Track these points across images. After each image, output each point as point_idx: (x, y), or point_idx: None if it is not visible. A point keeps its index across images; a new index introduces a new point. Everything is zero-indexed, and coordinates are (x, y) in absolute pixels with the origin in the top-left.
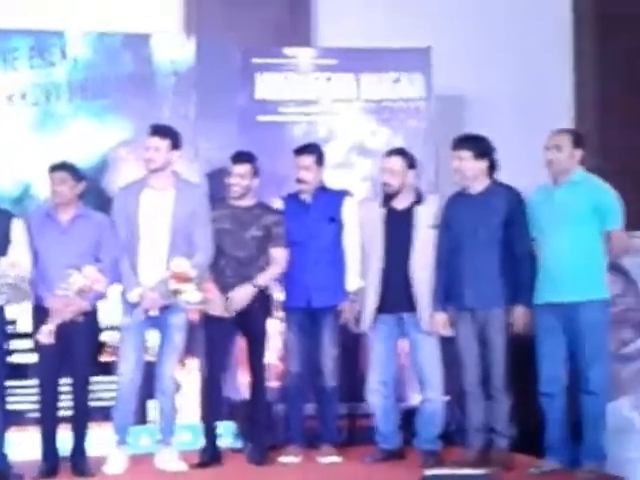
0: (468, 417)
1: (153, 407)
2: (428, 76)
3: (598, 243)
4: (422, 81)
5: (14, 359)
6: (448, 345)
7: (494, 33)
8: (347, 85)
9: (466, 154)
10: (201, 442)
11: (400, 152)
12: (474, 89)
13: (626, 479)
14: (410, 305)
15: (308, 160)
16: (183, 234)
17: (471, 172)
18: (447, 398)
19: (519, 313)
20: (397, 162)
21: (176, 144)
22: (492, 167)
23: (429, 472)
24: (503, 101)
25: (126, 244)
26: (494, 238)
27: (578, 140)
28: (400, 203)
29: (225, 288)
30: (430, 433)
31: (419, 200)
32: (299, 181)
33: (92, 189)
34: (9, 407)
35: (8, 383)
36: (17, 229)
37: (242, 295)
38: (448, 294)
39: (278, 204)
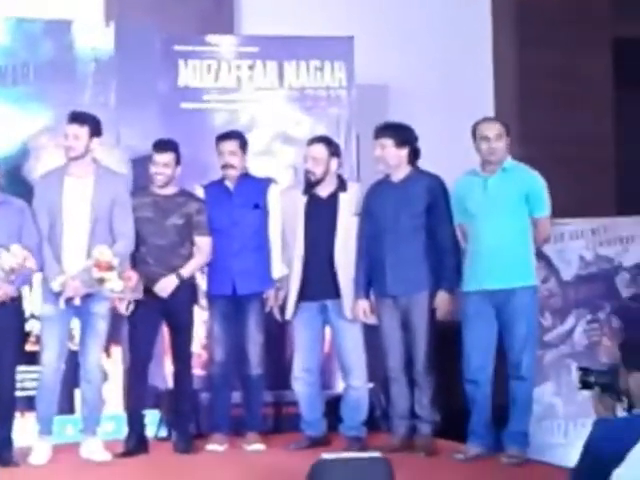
0: (392, 403)
1: (79, 396)
2: (350, 65)
3: (528, 230)
4: (344, 70)
5: None
6: (372, 332)
7: (416, 22)
8: (269, 73)
9: (388, 142)
10: (125, 431)
11: (324, 140)
12: (396, 78)
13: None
14: (334, 292)
15: (233, 145)
16: (104, 222)
17: (393, 160)
18: (371, 385)
19: (442, 299)
20: (320, 150)
21: (96, 131)
22: (414, 155)
23: (324, 456)
24: (424, 90)
25: (48, 232)
26: (416, 225)
27: (508, 128)
28: (323, 191)
29: (147, 276)
30: (354, 420)
31: (342, 188)
32: (225, 166)
33: (12, 177)
34: None
35: None
36: None
37: (166, 285)
38: (370, 281)
39: (200, 192)
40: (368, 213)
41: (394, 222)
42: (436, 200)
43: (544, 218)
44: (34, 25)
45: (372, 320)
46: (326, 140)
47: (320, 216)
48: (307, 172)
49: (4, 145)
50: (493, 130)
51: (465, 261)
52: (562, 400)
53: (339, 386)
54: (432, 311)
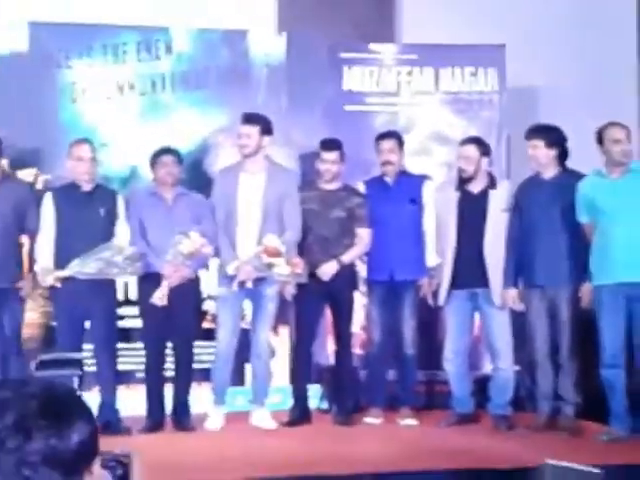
0: (537, 385)
1: (250, 370)
2: (502, 71)
3: None
4: (496, 75)
5: (124, 324)
6: (518, 318)
7: (563, 29)
8: (426, 78)
9: (539, 143)
10: (290, 403)
11: (475, 140)
12: (544, 82)
13: None
14: (483, 281)
15: (391, 143)
16: (274, 214)
17: (543, 159)
18: (517, 368)
19: (587, 290)
20: (472, 150)
21: (266, 130)
22: (563, 155)
23: (549, 462)
24: (572, 93)
25: (224, 222)
26: (564, 221)
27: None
28: (475, 187)
29: (312, 263)
30: (502, 399)
31: (492, 185)
32: (385, 163)
33: (194, 170)
34: (119, 368)
35: (119, 346)
36: (121, 205)
37: (328, 269)
38: (519, 272)
39: (361, 187)
40: (519, 207)
41: (544, 217)
42: None
43: None
44: (214, 35)
45: (519, 307)
46: (477, 141)
47: (471, 211)
48: (460, 170)
49: (187, 142)
50: (623, 133)
51: (593, 257)
52: None
53: (487, 367)
54: (575, 301)
